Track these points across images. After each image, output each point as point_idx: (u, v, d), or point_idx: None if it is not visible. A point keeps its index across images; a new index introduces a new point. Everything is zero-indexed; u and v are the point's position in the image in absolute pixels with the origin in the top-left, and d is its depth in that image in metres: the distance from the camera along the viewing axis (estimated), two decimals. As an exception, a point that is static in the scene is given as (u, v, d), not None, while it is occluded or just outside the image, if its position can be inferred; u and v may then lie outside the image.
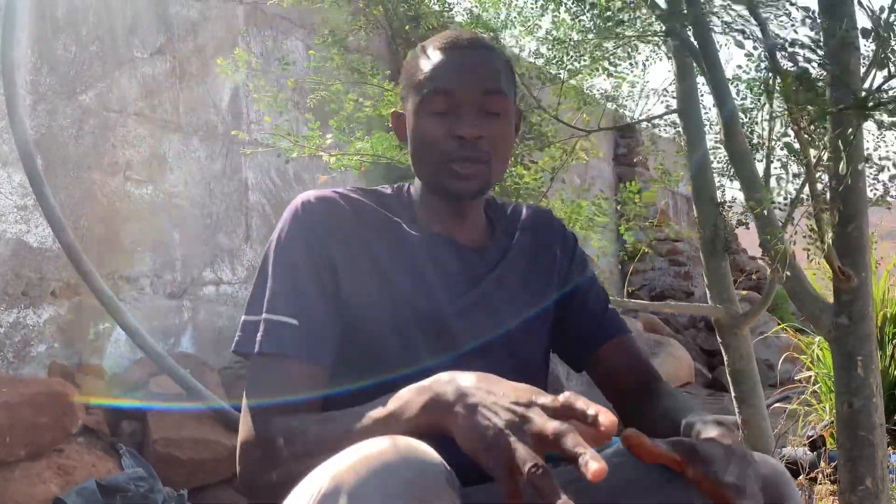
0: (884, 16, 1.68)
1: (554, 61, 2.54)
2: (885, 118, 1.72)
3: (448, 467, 0.80)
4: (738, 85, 2.48)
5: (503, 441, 0.77)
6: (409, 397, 0.89)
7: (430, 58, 1.19)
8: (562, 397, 0.79)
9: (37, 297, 3.02)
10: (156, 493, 2.36)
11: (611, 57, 2.56)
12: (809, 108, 1.75)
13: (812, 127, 1.87)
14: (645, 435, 0.89)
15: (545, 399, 0.80)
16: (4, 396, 2.24)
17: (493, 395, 0.82)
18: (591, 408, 0.77)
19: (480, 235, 1.28)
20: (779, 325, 5.69)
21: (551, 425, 0.76)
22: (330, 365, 1.09)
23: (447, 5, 3.60)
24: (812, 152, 1.96)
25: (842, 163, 1.78)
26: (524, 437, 0.77)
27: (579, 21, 2.47)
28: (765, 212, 2.17)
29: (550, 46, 2.56)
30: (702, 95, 2.71)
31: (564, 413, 0.78)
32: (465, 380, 0.86)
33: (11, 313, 2.92)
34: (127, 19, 3.53)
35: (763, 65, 2.27)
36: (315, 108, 3.12)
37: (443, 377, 0.88)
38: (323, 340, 1.08)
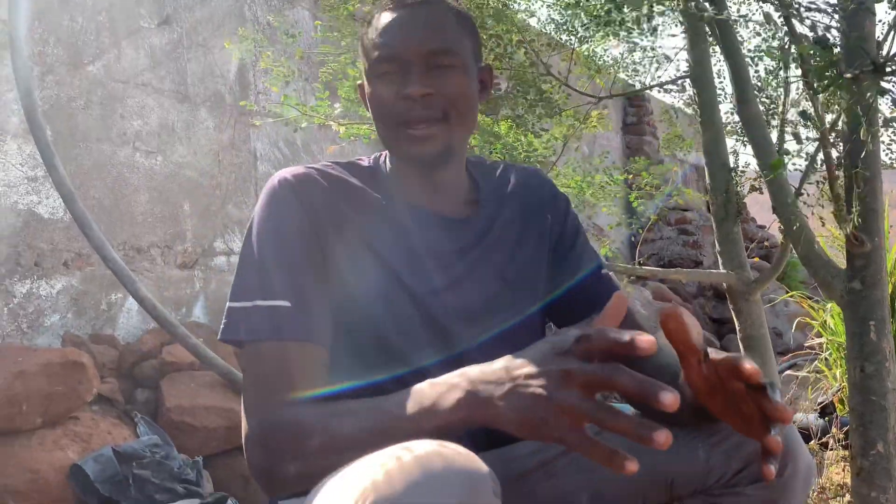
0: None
1: (565, 28, 2.51)
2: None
3: (493, 474, 0.77)
4: (752, 52, 2.46)
5: (552, 407, 0.74)
6: (436, 394, 0.85)
7: (377, 21, 1.16)
8: (589, 334, 0.75)
9: (49, 267, 3.03)
10: (171, 460, 2.38)
11: (623, 23, 2.53)
12: (825, 73, 1.73)
13: (828, 93, 1.85)
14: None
15: (569, 346, 0.76)
16: (20, 365, 2.25)
17: (516, 370, 0.79)
18: (624, 334, 0.73)
19: (463, 203, 1.24)
20: (787, 293, 5.68)
21: (590, 368, 0.74)
22: (328, 343, 1.06)
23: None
24: (827, 118, 1.94)
25: (862, 129, 1.76)
26: (570, 393, 0.74)
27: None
28: (778, 177, 2.16)
29: (562, 11, 2.53)
30: (715, 64, 2.69)
31: (598, 349, 0.75)
32: (486, 370, 0.83)
33: (25, 284, 2.94)
34: (133, -12, 3.51)
35: (777, 31, 2.25)
36: (323, 78, 3.10)
37: (466, 372, 0.84)
38: (318, 320, 1.05)
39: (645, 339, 0.71)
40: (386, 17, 1.15)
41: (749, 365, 0.84)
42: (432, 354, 1.11)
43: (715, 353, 0.89)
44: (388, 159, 1.24)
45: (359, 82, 1.26)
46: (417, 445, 0.76)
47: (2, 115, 2.93)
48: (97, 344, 2.94)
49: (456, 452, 0.75)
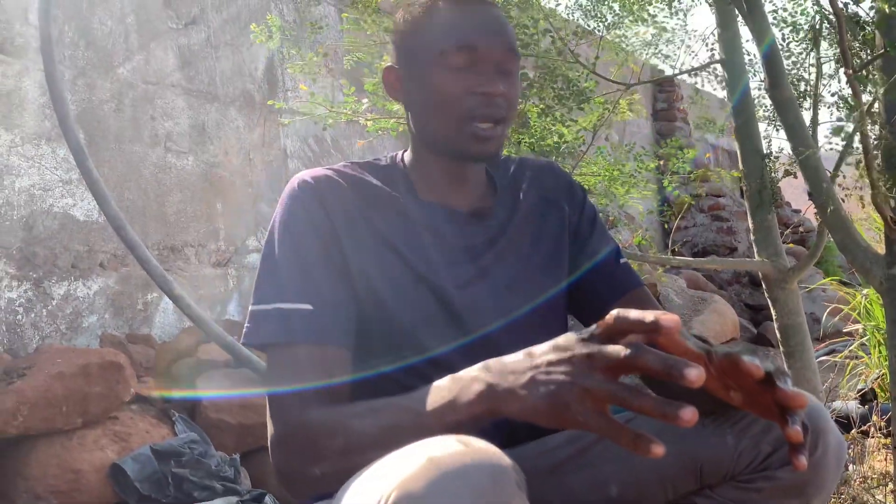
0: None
1: (593, 14, 2.48)
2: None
3: (517, 467, 0.76)
4: (782, 30, 2.41)
5: (574, 391, 0.73)
6: (458, 388, 0.84)
7: (443, 11, 1.14)
8: (609, 318, 0.74)
9: (86, 269, 3.08)
10: (209, 458, 2.40)
11: (649, 5, 2.50)
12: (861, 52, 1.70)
13: (864, 72, 1.81)
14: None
15: (590, 330, 0.75)
16: (60, 367, 2.29)
17: (537, 359, 0.78)
18: (647, 315, 0.72)
19: (483, 198, 1.24)
20: (824, 278, 5.59)
21: (612, 350, 0.72)
22: (350, 344, 1.06)
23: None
24: (864, 98, 1.90)
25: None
26: (591, 376, 0.72)
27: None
28: (813, 161, 2.12)
29: (587, -1, 2.50)
30: (746, 41, 2.64)
31: (620, 332, 0.73)
32: (507, 361, 0.82)
33: (62, 286, 2.98)
34: (160, -10, 3.54)
35: (808, 8, 2.21)
36: (350, 73, 3.10)
37: (487, 364, 0.84)
38: (341, 322, 1.05)
39: (669, 318, 0.70)
40: (458, 9, 1.14)
41: (746, 361, 0.82)
42: (457, 349, 1.10)
43: (715, 353, 0.87)
44: (406, 157, 1.23)
45: (386, 65, 1.22)
46: (438, 442, 0.76)
47: (35, 119, 2.97)
48: (134, 343, 2.98)
49: (477, 446, 0.75)
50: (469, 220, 1.20)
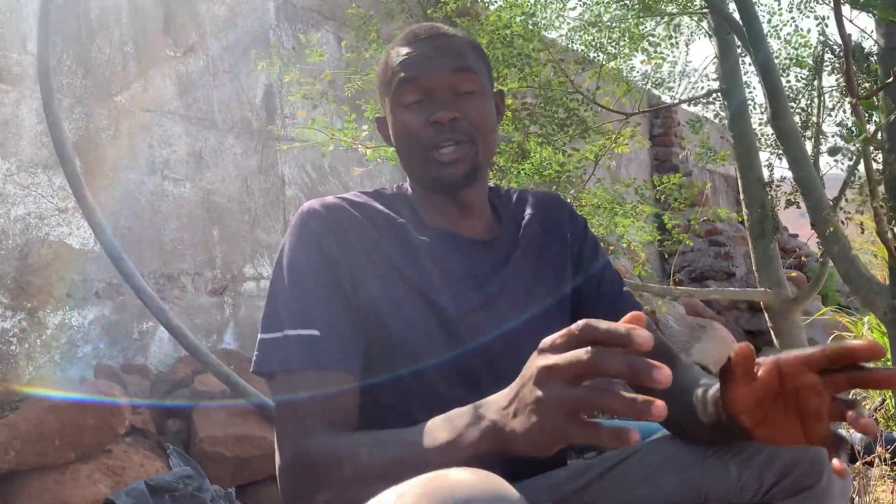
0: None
1: (593, 45, 2.48)
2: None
3: (524, 500, 0.74)
4: (783, 61, 2.41)
5: (544, 407, 0.71)
6: (462, 426, 0.84)
7: (394, 54, 1.19)
8: (575, 327, 0.72)
9: (81, 298, 3.04)
10: (204, 492, 2.36)
11: (650, 37, 2.50)
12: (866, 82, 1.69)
13: (868, 102, 1.80)
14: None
15: (550, 342, 0.74)
16: (52, 399, 2.25)
17: (514, 390, 0.78)
18: (619, 327, 0.69)
19: (487, 227, 1.25)
20: (823, 302, 5.56)
21: (570, 356, 0.70)
22: (359, 370, 1.06)
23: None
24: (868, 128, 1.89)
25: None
26: (555, 388, 0.71)
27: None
28: (815, 191, 2.10)
29: (585, 31, 2.50)
30: (745, 74, 2.64)
31: (588, 343, 0.71)
32: (498, 399, 0.81)
33: (57, 315, 2.95)
34: (159, 19, 3.54)
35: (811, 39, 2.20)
36: (349, 100, 3.10)
37: (487, 402, 0.83)
38: (349, 347, 1.05)
39: (644, 335, 0.68)
40: (405, 50, 1.18)
41: (857, 343, 0.80)
42: (463, 378, 1.11)
43: (779, 356, 0.85)
44: (410, 188, 1.25)
45: (377, 116, 1.29)
46: (444, 474, 0.74)
47: (32, 147, 2.95)
48: (129, 374, 2.94)
49: (484, 479, 0.73)
50: (474, 249, 1.21)
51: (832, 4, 1.78)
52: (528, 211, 1.30)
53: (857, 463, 2.88)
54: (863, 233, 2.22)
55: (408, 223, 1.17)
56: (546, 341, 0.75)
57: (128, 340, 3.19)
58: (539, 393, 0.73)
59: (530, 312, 1.19)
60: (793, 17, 2.66)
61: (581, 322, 0.72)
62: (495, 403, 0.81)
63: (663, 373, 0.66)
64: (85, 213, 2.73)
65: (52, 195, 3.00)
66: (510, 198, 1.33)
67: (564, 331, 0.73)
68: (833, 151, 2.36)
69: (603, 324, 0.71)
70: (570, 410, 0.70)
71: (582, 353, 0.70)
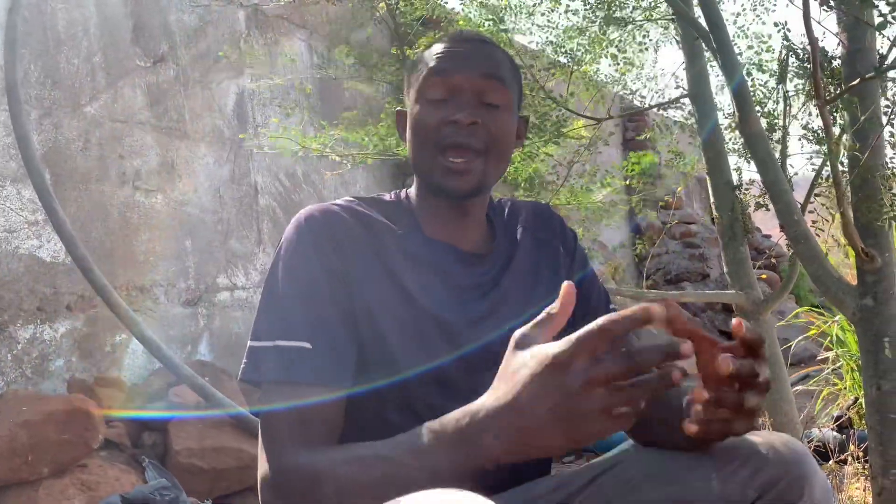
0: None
1: (562, 50, 2.50)
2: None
3: None
4: (749, 66, 2.44)
5: (596, 419, 0.73)
6: (453, 439, 0.82)
7: (432, 49, 1.18)
8: (596, 326, 0.73)
9: (52, 311, 3.01)
10: (181, 505, 2.35)
11: (618, 42, 2.52)
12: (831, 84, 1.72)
13: (833, 105, 1.83)
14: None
15: (568, 355, 0.74)
16: (25, 415, 2.23)
17: (527, 405, 0.76)
18: (635, 311, 0.73)
19: (483, 237, 1.24)
20: (796, 302, 5.63)
21: (606, 366, 0.72)
22: (349, 385, 1.03)
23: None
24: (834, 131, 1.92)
25: (871, 136, 1.74)
26: (600, 395, 0.72)
27: (586, 4, 2.43)
28: (784, 194, 2.13)
29: (557, 34, 2.52)
30: (717, 76, 2.67)
31: (605, 342, 0.73)
32: (499, 410, 0.80)
33: (28, 329, 2.92)
34: (128, 29, 3.51)
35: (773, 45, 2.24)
36: (321, 108, 3.09)
37: (476, 419, 0.81)
38: (340, 361, 1.03)
39: (658, 311, 0.74)
40: (443, 46, 1.17)
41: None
42: (459, 387, 1.08)
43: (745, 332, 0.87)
44: (411, 193, 1.23)
45: (398, 109, 1.26)
46: (425, 496, 0.74)
47: (0, 160, 2.92)
48: (103, 387, 2.91)
49: (467, 499, 0.73)
50: (473, 260, 1.20)
51: (801, 5, 1.80)
52: (521, 224, 1.29)
53: (831, 462, 2.92)
54: (832, 236, 2.25)
55: (406, 233, 1.16)
56: (560, 354, 0.74)
57: (101, 353, 3.16)
58: (594, 403, 0.73)
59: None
60: (757, 16, 2.70)
61: (599, 322, 0.74)
62: (495, 418, 0.79)
63: (684, 346, 0.72)
64: (55, 225, 2.71)
65: (21, 208, 2.96)
66: (503, 209, 1.31)
67: (583, 336, 0.74)
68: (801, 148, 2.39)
69: (618, 318, 0.73)
70: (611, 415, 0.73)
71: (616, 361, 0.72)
